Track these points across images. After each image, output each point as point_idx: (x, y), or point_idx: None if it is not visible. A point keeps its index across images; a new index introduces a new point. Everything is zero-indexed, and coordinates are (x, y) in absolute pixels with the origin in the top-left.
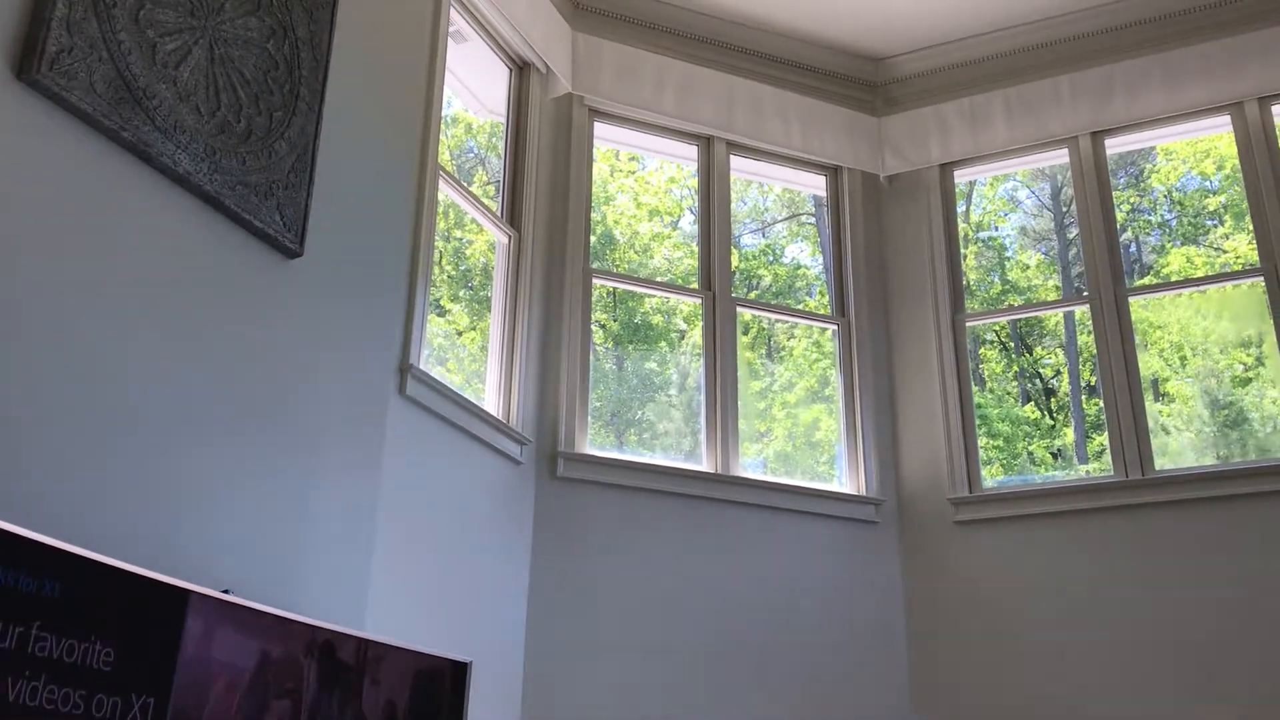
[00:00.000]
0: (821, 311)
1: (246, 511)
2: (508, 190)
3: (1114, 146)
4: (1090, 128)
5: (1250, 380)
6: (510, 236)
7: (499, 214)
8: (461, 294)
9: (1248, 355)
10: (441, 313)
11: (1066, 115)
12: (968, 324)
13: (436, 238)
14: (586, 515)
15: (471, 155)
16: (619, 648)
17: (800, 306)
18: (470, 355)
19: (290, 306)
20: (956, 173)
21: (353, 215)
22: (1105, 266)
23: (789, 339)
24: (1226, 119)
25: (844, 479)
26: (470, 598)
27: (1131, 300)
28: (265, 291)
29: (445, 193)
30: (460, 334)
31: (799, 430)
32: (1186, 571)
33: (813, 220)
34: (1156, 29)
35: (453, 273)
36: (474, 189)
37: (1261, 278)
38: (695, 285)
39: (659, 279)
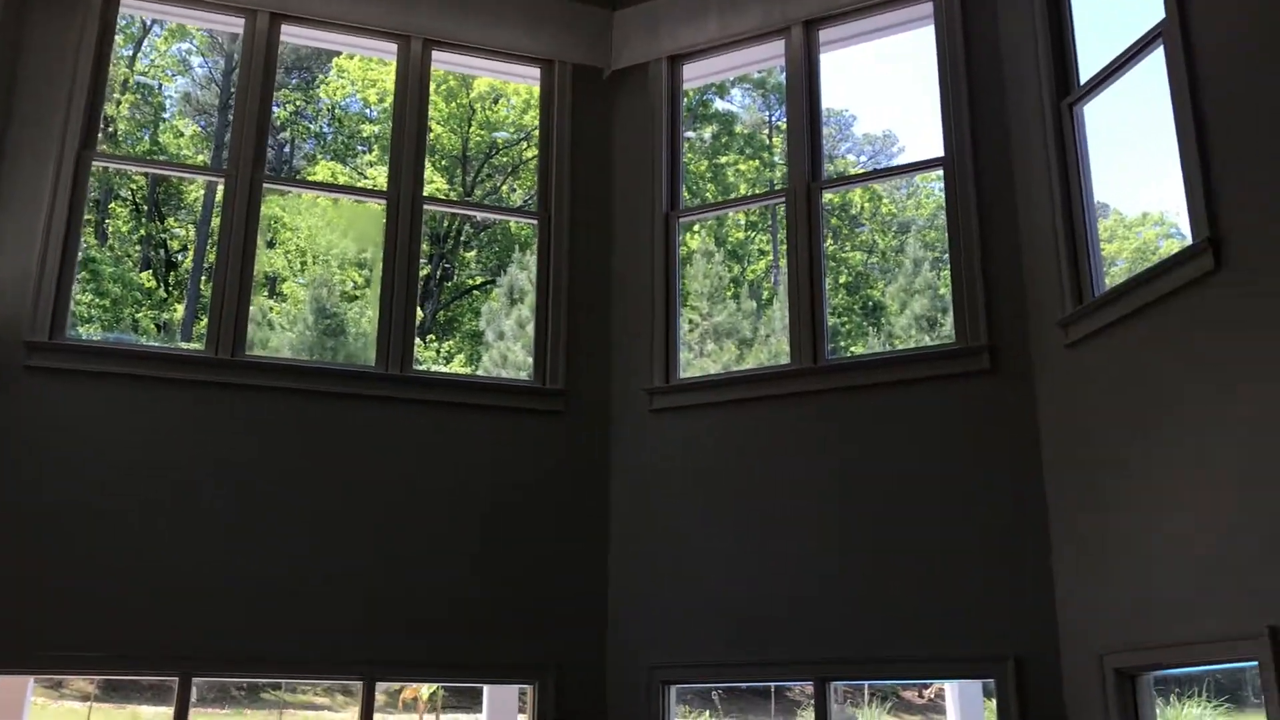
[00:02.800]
0: None
1: None
2: None
3: (289, 36)
4: (258, 6)
5: (356, 298)
6: None
7: None
8: None
9: (360, 275)
10: None
11: None
12: (95, 163)
13: None
14: None
15: None
16: None
17: None
18: None
19: None
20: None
21: None
22: (250, 150)
23: None
24: (394, 48)
25: None
26: None
27: (270, 197)
28: None
29: None
30: None
31: None
32: (269, 448)
33: None
34: None
35: None
36: None
37: (385, 202)
38: None
39: None
